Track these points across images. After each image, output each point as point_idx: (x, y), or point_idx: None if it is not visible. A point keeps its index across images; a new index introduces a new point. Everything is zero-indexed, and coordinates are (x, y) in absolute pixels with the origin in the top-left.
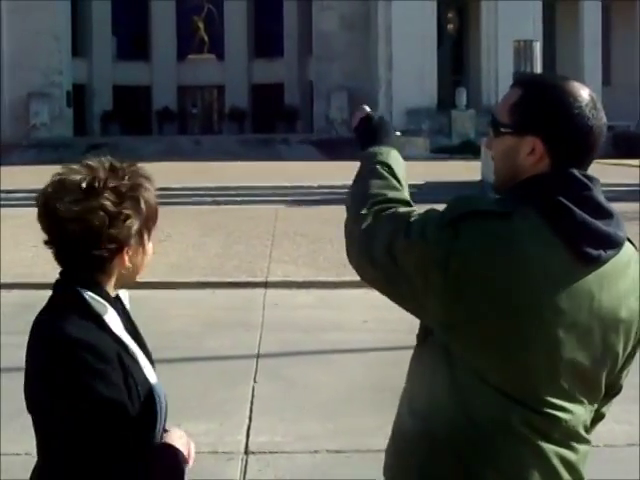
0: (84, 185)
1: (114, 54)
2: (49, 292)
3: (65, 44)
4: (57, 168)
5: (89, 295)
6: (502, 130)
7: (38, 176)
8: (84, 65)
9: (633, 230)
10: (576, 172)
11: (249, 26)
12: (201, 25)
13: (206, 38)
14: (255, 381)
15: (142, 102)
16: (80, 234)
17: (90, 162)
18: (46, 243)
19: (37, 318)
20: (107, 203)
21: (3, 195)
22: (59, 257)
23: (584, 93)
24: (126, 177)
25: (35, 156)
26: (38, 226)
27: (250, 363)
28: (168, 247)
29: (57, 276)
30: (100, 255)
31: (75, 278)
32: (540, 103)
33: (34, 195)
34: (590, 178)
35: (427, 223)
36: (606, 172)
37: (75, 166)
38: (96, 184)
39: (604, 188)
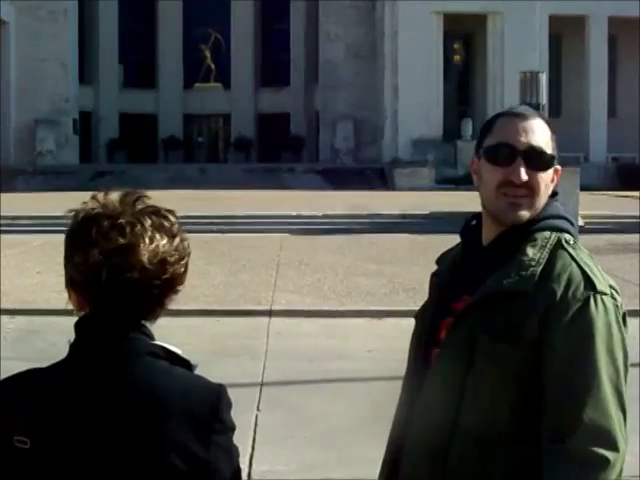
0: None
1: (121, 82)
2: (53, 318)
3: (72, 71)
4: (62, 195)
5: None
6: (555, 163)
7: (43, 203)
8: (91, 93)
9: (634, 261)
10: None
11: (255, 55)
12: (208, 54)
13: (213, 67)
14: (258, 409)
15: (148, 130)
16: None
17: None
18: None
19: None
20: None
21: (7, 222)
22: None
23: None
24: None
25: (41, 183)
26: (42, 252)
27: (254, 391)
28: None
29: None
30: None
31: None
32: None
33: (38, 222)
34: None
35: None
36: (611, 204)
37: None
38: None
39: (610, 220)
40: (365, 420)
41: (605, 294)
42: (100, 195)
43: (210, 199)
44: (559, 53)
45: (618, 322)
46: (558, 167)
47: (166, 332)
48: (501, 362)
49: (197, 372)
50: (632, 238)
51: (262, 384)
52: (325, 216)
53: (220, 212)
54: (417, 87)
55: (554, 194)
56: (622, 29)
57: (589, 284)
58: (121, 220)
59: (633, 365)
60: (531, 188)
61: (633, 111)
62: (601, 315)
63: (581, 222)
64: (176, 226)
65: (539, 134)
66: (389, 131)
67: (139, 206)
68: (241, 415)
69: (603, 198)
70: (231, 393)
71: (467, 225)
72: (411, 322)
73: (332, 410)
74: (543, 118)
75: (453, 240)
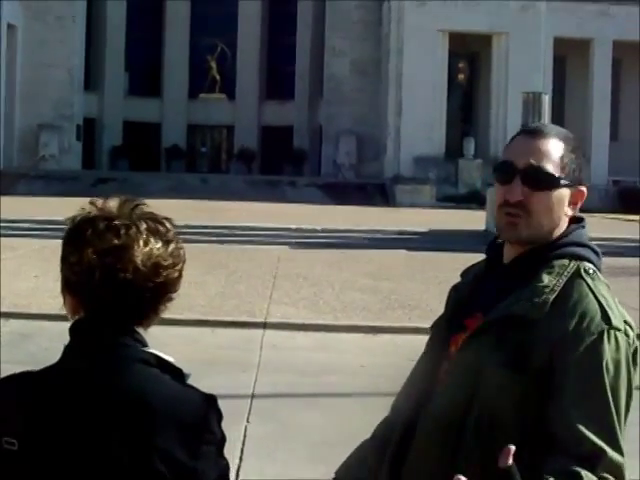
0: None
1: (126, 89)
2: (47, 323)
3: (78, 77)
4: (63, 200)
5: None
6: (562, 182)
7: (44, 207)
8: (95, 99)
9: (635, 285)
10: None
11: (261, 68)
12: (214, 65)
13: (218, 78)
14: (248, 421)
15: (152, 139)
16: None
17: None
18: None
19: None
20: None
21: (7, 225)
22: None
23: None
24: None
25: (42, 187)
26: (40, 256)
27: (244, 403)
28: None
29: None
30: None
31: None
32: (581, 155)
33: (38, 226)
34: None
35: None
36: (611, 226)
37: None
38: None
39: (610, 243)
40: (356, 435)
41: (619, 330)
42: (99, 201)
43: (210, 209)
44: (563, 75)
45: (627, 360)
46: (582, 188)
47: (160, 341)
48: (504, 389)
49: (189, 382)
50: (631, 261)
51: (253, 396)
52: (324, 230)
53: (220, 222)
54: (421, 104)
55: (579, 220)
56: (626, 53)
57: (604, 318)
58: (117, 222)
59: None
60: (526, 208)
61: (635, 135)
62: (612, 352)
63: None
64: (172, 233)
65: (544, 152)
66: (391, 147)
67: (137, 212)
68: (230, 426)
69: (603, 221)
70: (222, 404)
71: (493, 242)
72: (405, 338)
73: (323, 424)
74: (561, 135)
75: (451, 258)
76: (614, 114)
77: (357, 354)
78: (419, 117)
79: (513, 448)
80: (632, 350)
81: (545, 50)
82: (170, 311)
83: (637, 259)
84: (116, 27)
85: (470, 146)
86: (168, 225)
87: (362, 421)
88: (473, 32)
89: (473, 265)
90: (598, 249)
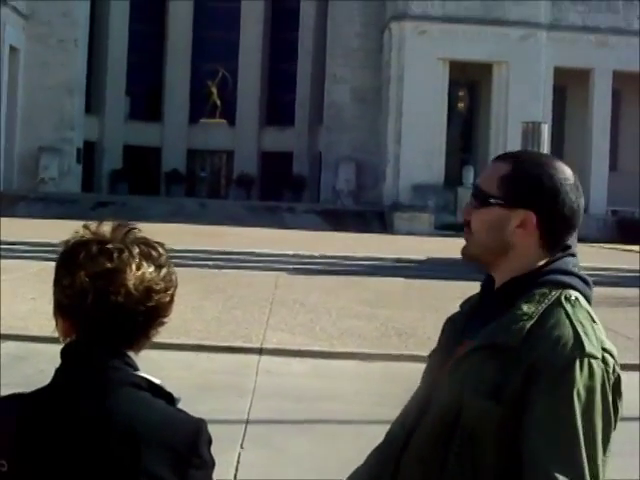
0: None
1: (127, 113)
2: (43, 345)
3: (79, 100)
4: (62, 223)
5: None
6: (492, 201)
7: (42, 230)
8: (96, 122)
9: (632, 315)
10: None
11: (262, 94)
12: (214, 90)
13: (219, 103)
14: (242, 447)
15: (151, 163)
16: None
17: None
18: None
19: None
20: None
21: (5, 247)
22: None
23: (569, 172)
24: None
25: (41, 210)
26: (37, 279)
27: (238, 429)
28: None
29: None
30: None
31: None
32: (534, 178)
33: (36, 248)
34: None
35: None
36: (609, 256)
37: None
38: None
39: (609, 273)
40: (350, 463)
41: (594, 357)
42: (92, 225)
43: (209, 234)
44: (563, 104)
45: (604, 388)
46: (527, 213)
47: (156, 365)
48: (482, 417)
49: (180, 406)
50: (629, 292)
51: (247, 422)
52: (322, 257)
53: (218, 248)
54: (420, 132)
55: (566, 248)
56: (626, 83)
57: (578, 345)
58: (110, 246)
59: (633, 419)
60: (470, 226)
61: (634, 165)
62: (584, 379)
63: None
64: (164, 257)
65: (488, 173)
66: (390, 175)
67: (130, 236)
68: (224, 452)
69: (602, 251)
70: (216, 430)
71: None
72: (401, 366)
73: (316, 451)
74: (518, 159)
75: (448, 286)
76: (613, 144)
77: (352, 381)
78: (419, 145)
79: None
80: (613, 378)
81: (545, 80)
82: (166, 335)
83: (636, 289)
84: (118, 51)
85: (469, 174)
86: (161, 250)
87: (356, 448)
88: (473, 61)
89: (472, 296)
90: (587, 277)
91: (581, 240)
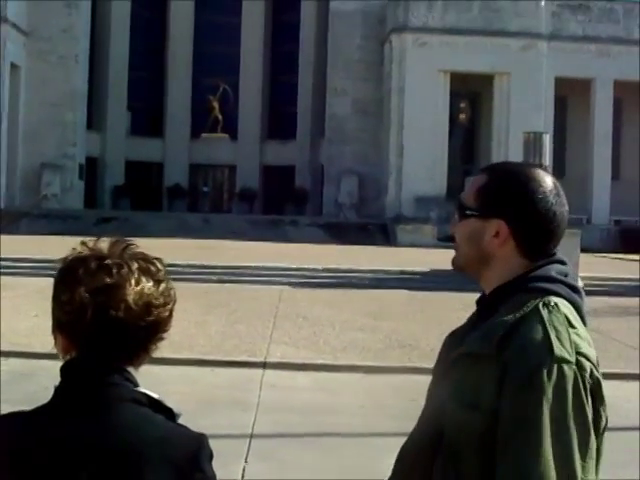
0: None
1: (128, 129)
2: (46, 362)
3: (80, 117)
4: (65, 240)
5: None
6: (467, 213)
7: (45, 246)
8: (98, 138)
9: (635, 324)
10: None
11: (263, 108)
12: (216, 105)
13: (220, 118)
14: (246, 461)
15: (154, 178)
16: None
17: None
18: None
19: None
20: None
21: (8, 264)
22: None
23: (548, 180)
24: None
25: (44, 226)
26: (40, 296)
27: (242, 443)
28: (171, 322)
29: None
30: None
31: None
32: (505, 187)
33: (39, 265)
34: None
35: None
36: (612, 266)
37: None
38: None
39: (610, 282)
40: (354, 475)
41: (565, 361)
42: (90, 241)
43: (212, 249)
44: (564, 114)
45: (577, 393)
46: (498, 222)
47: (160, 380)
48: (462, 427)
49: (184, 420)
50: (632, 301)
51: (252, 436)
52: (325, 270)
53: (221, 262)
54: (422, 144)
55: (551, 255)
56: (627, 92)
57: (548, 349)
58: (108, 261)
59: (633, 429)
60: (455, 238)
61: (636, 174)
62: (554, 384)
63: (581, 284)
64: (162, 272)
65: (469, 186)
66: (393, 187)
67: (128, 252)
68: (229, 466)
69: (604, 260)
70: (220, 444)
71: None
72: (405, 379)
73: (321, 464)
74: (495, 170)
75: (451, 298)
76: (615, 153)
77: (357, 394)
78: (420, 157)
79: None
80: (590, 382)
81: (546, 90)
82: (170, 350)
83: (637, 299)
84: (118, 67)
85: None
86: (159, 265)
87: (361, 461)
88: (474, 72)
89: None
90: (576, 284)
91: (584, 250)
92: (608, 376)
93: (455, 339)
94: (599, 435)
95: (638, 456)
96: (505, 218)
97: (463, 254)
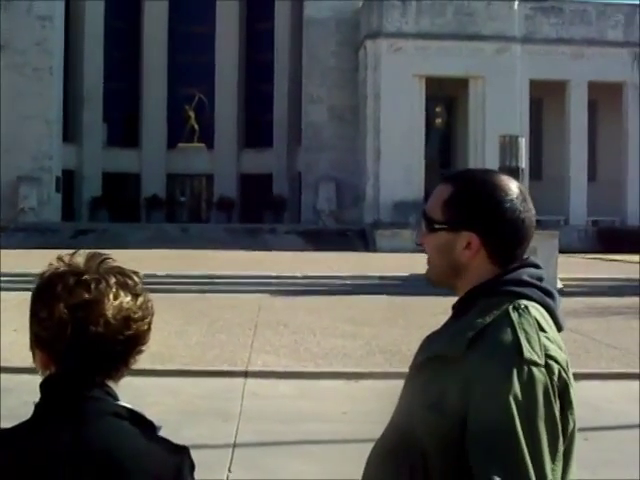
0: None
1: (104, 140)
2: (27, 377)
3: (56, 129)
4: (44, 253)
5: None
6: (436, 227)
7: (23, 260)
8: (74, 151)
9: (615, 324)
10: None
11: (239, 116)
12: (192, 114)
13: (196, 127)
14: (230, 471)
15: (131, 189)
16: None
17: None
18: None
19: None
20: None
21: None
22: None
23: (513, 186)
24: None
25: (22, 240)
26: (19, 310)
27: (226, 453)
28: (150, 335)
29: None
30: None
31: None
32: (473, 199)
33: (17, 279)
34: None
35: None
36: (590, 267)
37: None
38: None
39: (589, 283)
40: None
41: (535, 364)
42: (66, 256)
43: (191, 259)
44: (540, 117)
45: (547, 395)
46: (469, 233)
47: (142, 392)
48: (429, 431)
49: (167, 431)
50: (611, 301)
51: (235, 445)
52: (305, 277)
53: (200, 272)
54: (399, 150)
55: (522, 259)
56: (602, 94)
57: (517, 351)
58: (86, 277)
59: (614, 428)
60: (425, 249)
61: (613, 175)
62: (524, 386)
63: (559, 285)
64: (140, 286)
65: (434, 197)
66: (371, 193)
67: (104, 266)
68: (212, 476)
69: (583, 261)
70: (203, 454)
71: None
72: (387, 384)
73: (305, 472)
74: (463, 181)
75: (431, 303)
76: (591, 155)
77: (339, 401)
78: (398, 162)
79: None
80: (558, 385)
81: (521, 92)
82: (151, 362)
83: (616, 299)
84: (93, 79)
85: None
86: (136, 278)
87: (344, 468)
88: (449, 76)
89: None
90: (548, 287)
91: (563, 251)
92: (590, 376)
93: (435, 336)
94: (567, 438)
95: (622, 456)
96: (475, 230)
97: (435, 266)
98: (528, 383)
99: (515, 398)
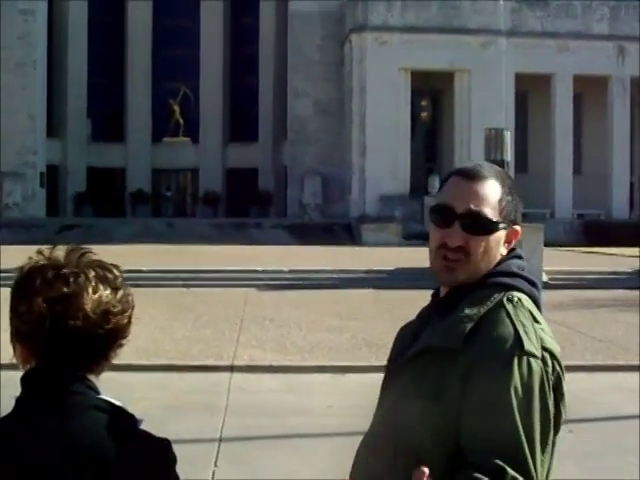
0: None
1: (89, 135)
2: (12, 372)
3: (40, 124)
4: (28, 248)
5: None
6: (500, 227)
7: (8, 256)
8: (59, 146)
9: (601, 316)
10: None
11: (224, 110)
12: (177, 108)
13: (181, 121)
14: (216, 465)
15: (116, 184)
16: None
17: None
18: None
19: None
20: None
21: None
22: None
23: None
24: None
25: (6, 236)
26: (4, 307)
27: (212, 447)
28: (136, 329)
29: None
30: None
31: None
32: (515, 194)
33: (2, 275)
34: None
35: None
36: (576, 259)
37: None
38: None
39: (575, 276)
40: (327, 476)
41: (533, 356)
42: (46, 250)
43: (177, 253)
44: (525, 110)
45: (543, 387)
46: (517, 228)
47: (127, 387)
48: (423, 421)
49: (150, 426)
50: (597, 294)
51: (221, 439)
52: (291, 271)
53: (186, 266)
54: (384, 143)
55: (511, 250)
56: (587, 87)
57: (517, 343)
58: (65, 270)
59: (600, 420)
60: (467, 252)
61: (598, 168)
62: (523, 377)
63: (545, 278)
64: (120, 280)
65: (482, 197)
66: (356, 187)
67: (84, 260)
68: (198, 471)
69: (568, 254)
70: (189, 449)
71: None
72: (373, 377)
73: (292, 466)
74: (498, 177)
75: (417, 296)
76: (577, 148)
77: (325, 395)
78: (383, 156)
79: (427, 471)
80: (553, 378)
81: (507, 86)
82: (137, 357)
83: (601, 291)
84: (77, 73)
85: (435, 183)
86: (116, 272)
87: (333, 461)
88: (435, 70)
89: (427, 305)
90: (534, 278)
91: (548, 244)
92: (576, 369)
93: (406, 335)
94: (557, 432)
95: (609, 448)
96: (519, 224)
97: (475, 268)
98: (527, 375)
99: (515, 388)
